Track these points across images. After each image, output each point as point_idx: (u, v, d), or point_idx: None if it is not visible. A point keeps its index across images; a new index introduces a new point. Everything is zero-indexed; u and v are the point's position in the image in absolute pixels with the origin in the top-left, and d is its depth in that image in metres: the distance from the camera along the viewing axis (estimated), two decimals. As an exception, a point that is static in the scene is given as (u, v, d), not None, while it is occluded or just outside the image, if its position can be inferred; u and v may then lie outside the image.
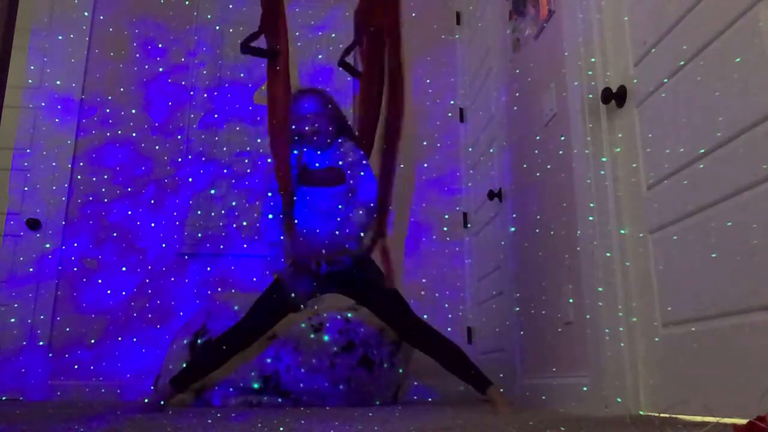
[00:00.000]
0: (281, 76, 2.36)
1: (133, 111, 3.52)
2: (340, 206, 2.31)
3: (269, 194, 2.40)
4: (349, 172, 2.34)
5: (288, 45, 2.43)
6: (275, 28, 2.41)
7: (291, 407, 2.44)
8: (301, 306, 2.34)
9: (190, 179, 3.44)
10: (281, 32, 2.41)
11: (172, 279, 3.31)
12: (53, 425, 1.45)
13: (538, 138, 2.40)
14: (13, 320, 3.16)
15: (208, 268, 3.34)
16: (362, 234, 2.27)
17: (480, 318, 3.25)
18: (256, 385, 2.51)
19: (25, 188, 3.37)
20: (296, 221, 2.30)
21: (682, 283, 1.55)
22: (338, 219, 2.27)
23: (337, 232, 2.25)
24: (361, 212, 2.26)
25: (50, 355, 3.14)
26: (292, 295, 2.25)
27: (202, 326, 2.64)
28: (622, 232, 1.81)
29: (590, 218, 1.88)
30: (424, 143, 3.61)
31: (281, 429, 1.39)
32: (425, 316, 3.23)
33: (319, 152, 2.39)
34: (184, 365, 2.28)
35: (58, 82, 3.50)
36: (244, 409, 2.37)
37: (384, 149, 2.34)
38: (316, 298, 2.40)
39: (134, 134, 3.49)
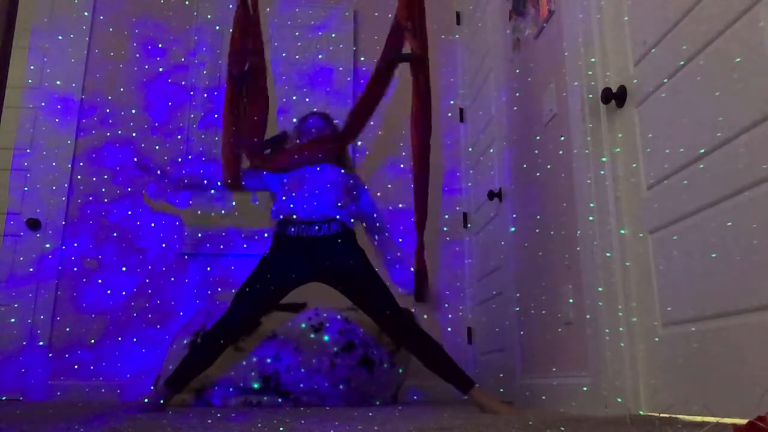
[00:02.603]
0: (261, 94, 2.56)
1: (133, 111, 3.52)
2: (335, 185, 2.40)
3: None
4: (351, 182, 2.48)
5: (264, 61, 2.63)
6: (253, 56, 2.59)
7: (291, 407, 2.43)
8: (290, 287, 2.33)
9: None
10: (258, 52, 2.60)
11: (172, 279, 3.31)
12: (53, 425, 1.45)
13: (538, 138, 2.40)
14: (13, 320, 3.16)
15: (208, 268, 3.34)
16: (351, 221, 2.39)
17: (480, 318, 3.25)
18: (256, 385, 2.51)
19: (25, 188, 3.37)
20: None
21: (682, 283, 1.55)
22: (334, 195, 2.37)
23: (336, 204, 2.35)
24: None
25: (50, 355, 3.14)
26: (278, 273, 2.25)
27: (201, 326, 2.64)
28: (622, 232, 1.81)
29: (590, 218, 1.88)
30: (424, 143, 3.61)
31: (281, 429, 1.39)
32: (425, 316, 3.26)
33: (318, 168, 2.45)
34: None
35: (58, 82, 3.50)
36: (244, 409, 2.37)
37: (417, 162, 2.46)
38: (305, 284, 2.37)
39: (134, 134, 3.49)
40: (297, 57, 3.65)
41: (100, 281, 3.27)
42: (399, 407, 2.41)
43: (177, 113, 3.55)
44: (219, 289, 3.29)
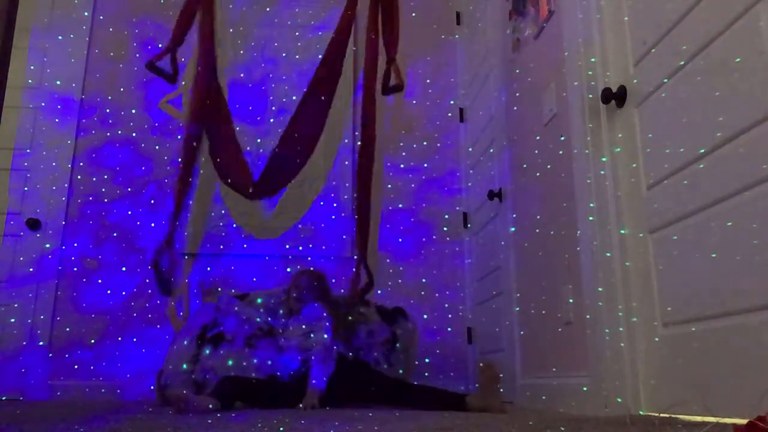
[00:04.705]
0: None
1: (133, 111, 3.52)
2: None
3: None
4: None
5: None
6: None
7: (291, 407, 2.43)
8: None
9: (190, 179, 3.43)
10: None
11: (172, 279, 3.31)
12: (53, 425, 1.45)
13: (538, 138, 2.40)
14: (13, 320, 3.16)
15: (208, 268, 3.34)
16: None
17: (480, 318, 3.25)
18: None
19: (25, 188, 3.37)
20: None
21: (682, 283, 1.55)
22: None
23: None
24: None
25: (50, 355, 3.14)
26: None
27: (213, 320, 2.65)
28: (622, 232, 1.81)
29: (590, 218, 1.88)
30: (424, 143, 3.61)
31: (281, 429, 1.39)
32: (425, 316, 3.26)
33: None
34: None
35: (58, 82, 3.50)
36: (244, 409, 2.36)
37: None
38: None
39: (134, 134, 3.49)
40: (297, 57, 3.65)
41: (100, 281, 3.27)
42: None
43: (177, 113, 3.55)
44: (219, 289, 3.29)
